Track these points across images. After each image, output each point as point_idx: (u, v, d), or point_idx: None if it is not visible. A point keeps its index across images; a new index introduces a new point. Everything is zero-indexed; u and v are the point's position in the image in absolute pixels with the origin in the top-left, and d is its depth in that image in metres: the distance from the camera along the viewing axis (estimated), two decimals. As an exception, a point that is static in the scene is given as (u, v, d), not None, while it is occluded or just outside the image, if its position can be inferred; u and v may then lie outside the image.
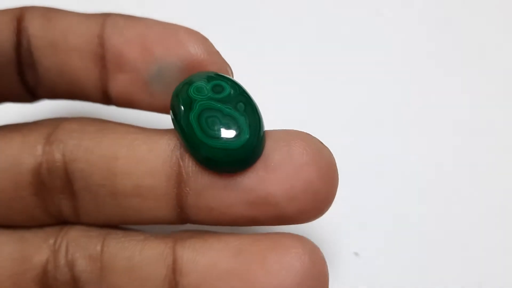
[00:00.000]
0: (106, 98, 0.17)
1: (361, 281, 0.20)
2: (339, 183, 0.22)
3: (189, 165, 0.15)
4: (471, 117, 0.25)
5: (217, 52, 0.16)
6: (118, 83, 0.16)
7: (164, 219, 0.15)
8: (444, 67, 0.26)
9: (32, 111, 0.21)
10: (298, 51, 0.27)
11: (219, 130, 0.14)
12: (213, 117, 0.14)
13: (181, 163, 0.15)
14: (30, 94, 0.17)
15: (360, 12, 0.28)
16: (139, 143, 0.15)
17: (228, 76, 0.16)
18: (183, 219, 0.15)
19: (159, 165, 0.15)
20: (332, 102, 0.25)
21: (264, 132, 0.15)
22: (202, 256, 0.15)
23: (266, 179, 0.14)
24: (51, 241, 0.16)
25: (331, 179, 0.15)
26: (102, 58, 0.16)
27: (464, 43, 0.27)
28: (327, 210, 0.15)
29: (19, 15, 0.16)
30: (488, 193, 0.23)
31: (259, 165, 0.14)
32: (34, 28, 0.16)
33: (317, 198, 0.15)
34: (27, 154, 0.15)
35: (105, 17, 0.16)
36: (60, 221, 0.16)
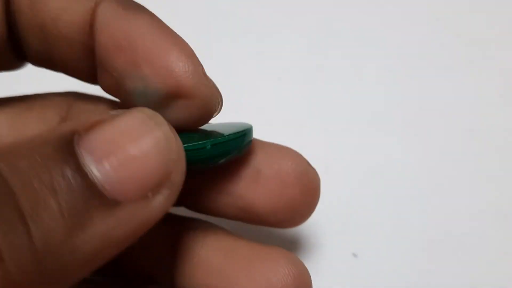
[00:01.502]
0: (96, 83, 0.17)
1: (359, 282, 0.21)
2: (338, 184, 0.22)
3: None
4: (471, 118, 0.25)
5: (206, 81, 0.15)
6: (105, 80, 0.16)
7: None
8: (444, 69, 0.26)
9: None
10: (298, 51, 0.27)
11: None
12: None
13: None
14: (19, 63, 0.17)
15: (365, 13, 0.28)
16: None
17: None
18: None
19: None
20: (332, 102, 0.25)
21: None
22: None
23: (255, 191, 0.16)
24: None
25: (312, 199, 0.17)
26: (92, 49, 0.16)
27: (465, 46, 0.27)
28: (304, 221, 0.17)
29: None
30: (488, 194, 0.23)
31: (251, 175, 0.16)
32: (20, 4, 0.15)
33: (296, 214, 0.16)
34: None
35: (98, 0, 0.15)
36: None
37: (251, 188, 0.16)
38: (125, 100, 0.15)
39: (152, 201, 0.12)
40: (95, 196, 0.11)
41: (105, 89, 0.16)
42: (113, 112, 0.12)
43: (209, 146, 0.14)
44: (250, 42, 0.27)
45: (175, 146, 0.12)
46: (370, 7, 0.28)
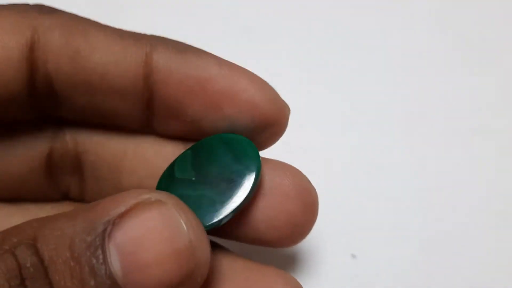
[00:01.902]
0: (149, 130, 0.16)
1: (358, 283, 0.21)
2: (336, 185, 0.22)
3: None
4: (469, 119, 0.25)
5: (284, 103, 0.15)
6: (170, 127, 0.15)
7: None
8: (443, 69, 0.26)
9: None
10: (297, 52, 0.27)
11: None
12: None
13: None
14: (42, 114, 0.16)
15: (367, 15, 0.28)
16: (145, 145, 0.15)
17: None
18: None
19: (160, 171, 0.15)
20: (331, 103, 0.25)
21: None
22: None
23: (256, 204, 0.15)
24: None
25: (311, 216, 0.16)
26: (149, 100, 0.15)
27: (465, 46, 0.27)
28: (302, 240, 0.17)
29: (31, 37, 0.14)
30: (487, 195, 0.23)
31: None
32: (58, 62, 0.14)
33: (296, 230, 0.16)
34: (41, 142, 0.16)
35: (149, 49, 0.14)
36: (66, 198, 0.17)
37: (252, 201, 0.15)
38: (192, 134, 0.15)
39: None
40: None
41: (167, 135, 0.16)
42: (146, 195, 0.12)
43: (224, 220, 0.14)
44: (249, 43, 0.27)
45: (197, 254, 0.12)
46: (370, 8, 0.28)
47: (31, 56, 0.14)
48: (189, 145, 0.15)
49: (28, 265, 0.11)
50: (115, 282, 0.11)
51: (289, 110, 0.16)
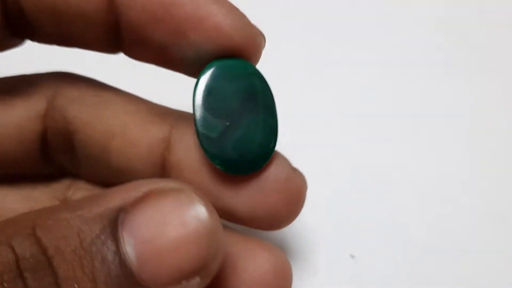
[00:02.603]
0: (118, 51, 0.16)
1: (357, 283, 0.21)
2: (336, 185, 0.22)
3: (173, 159, 0.15)
4: (468, 121, 0.25)
5: (254, 30, 0.15)
6: (137, 52, 0.15)
7: None
8: (443, 70, 0.26)
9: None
10: (297, 52, 0.27)
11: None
12: None
13: (166, 156, 0.15)
14: (18, 41, 0.16)
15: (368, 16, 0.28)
16: (132, 126, 0.16)
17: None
18: None
19: (147, 154, 0.16)
20: (331, 105, 0.25)
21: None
22: None
23: (234, 195, 0.15)
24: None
25: (295, 207, 0.16)
26: (115, 25, 0.15)
27: (464, 46, 0.27)
28: (286, 226, 0.16)
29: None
30: (485, 195, 0.23)
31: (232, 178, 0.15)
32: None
33: (277, 221, 0.16)
34: (33, 122, 0.16)
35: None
36: (61, 172, 0.18)
37: (230, 192, 0.15)
38: (170, 65, 0.15)
39: (185, 286, 0.11)
40: (131, 285, 0.11)
41: (137, 58, 0.16)
42: (160, 183, 0.12)
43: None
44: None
45: (215, 241, 0.12)
46: (371, 10, 0.28)
47: None
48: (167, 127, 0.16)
49: (27, 256, 0.10)
50: (129, 271, 0.11)
51: (263, 38, 0.15)
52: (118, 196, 0.11)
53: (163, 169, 0.16)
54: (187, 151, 0.15)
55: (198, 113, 0.14)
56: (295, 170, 0.16)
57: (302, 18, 0.28)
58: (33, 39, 0.16)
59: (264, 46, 0.15)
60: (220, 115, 0.14)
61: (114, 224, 0.11)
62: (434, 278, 0.21)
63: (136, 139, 0.16)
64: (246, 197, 0.15)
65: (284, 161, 0.16)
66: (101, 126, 0.16)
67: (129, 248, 0.11)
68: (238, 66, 0.14)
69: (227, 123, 0.14)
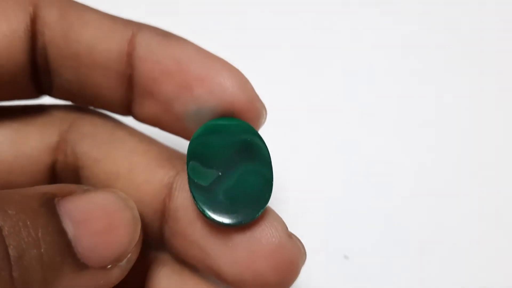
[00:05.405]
0: (128, 113, 0.17)
1: (350, 284, 0.21)
2: (329, 186, 0.22)
3: (172, 207, 0.15)
4: (467, 122, 0.25)
5: (256, 96, 0.15)
6: (146, 108, 0.16)
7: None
8: (442, 70, 0.26)
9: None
10: (296, 52, 0.27)
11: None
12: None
13: (167, 202, 0.16)
14: (42, 94, 0.17)
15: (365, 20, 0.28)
16: (139, 170, 0.16)
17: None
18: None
19: (150, 199, 0.16)
20: (327, 104, 0.25)
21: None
22: None
23: (222, 253, 0.14)
24: None
25: (287, 277, 0.14)
26: (130, 78, 0.16)
27: (464, 46, 0.27)
28: None
29: (33, 12, 0.15)
30: (481, 196, 0.23)
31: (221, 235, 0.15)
32: (53, 35, 0.15)
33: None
34: (44, 154, 0.16)
35: (135, 30, 0.15)
36: None
37: (220, 248, 0.14)
38: (173, 125, 0.16)
39: (111, 271, 0.13)
40: (70, 255, 0.12)
41: (143, 118, 0.16)
42: (86, 187, 0.14)
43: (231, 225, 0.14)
44: (247, 43, 0.27)
45: (138, 231, 0.14)
46: (368, 8, 0.28)
47: (33, 29, 0.15)
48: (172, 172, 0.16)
49: None
50: (68, 241, 0.12)
51: (263, 107, 0.15)
52: (53, 187, 0.13)
53: (162, 215, 0.16)
54: (185, 200, 0.15)
55: (191, 162, 0.14)
56: (290, 236, 0.14)
57: (301, 18, 0.28)
58: (50, 93, 0.17)
59: (265, 117, 0.16)
60: (213, 165, 0.14)
61: (51, 203, 0.12)
62: (427, 278, 0.21)
63: (140, 184, 0.16)
64: (235, 257, 0.14)
65: (279, 223, 0.14)
66: (108, 166, 0.16)
67: (67, 224, 0.12)
68: (237, 124, 0.15)
69: (220, 173, 0.14)
